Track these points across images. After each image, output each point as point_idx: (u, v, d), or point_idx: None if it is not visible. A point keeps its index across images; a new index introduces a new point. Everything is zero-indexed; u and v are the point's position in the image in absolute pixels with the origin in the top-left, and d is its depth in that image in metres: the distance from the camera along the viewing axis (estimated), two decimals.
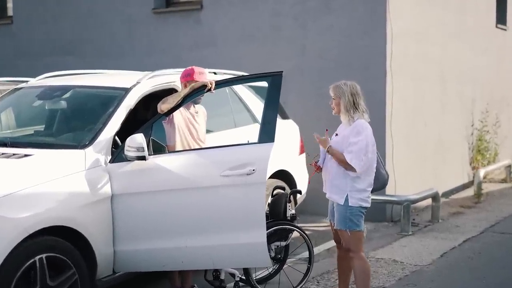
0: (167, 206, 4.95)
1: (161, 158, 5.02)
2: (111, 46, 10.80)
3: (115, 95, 5.52)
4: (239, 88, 6.90)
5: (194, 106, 5.58)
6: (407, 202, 8.12)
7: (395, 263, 6.71)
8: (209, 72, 6.74)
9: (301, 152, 7.60)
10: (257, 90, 7.30)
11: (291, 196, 6.02)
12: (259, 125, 5.17)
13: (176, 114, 5.32)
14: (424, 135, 9.74)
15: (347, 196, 5.02)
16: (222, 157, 4.99)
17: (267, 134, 4.98)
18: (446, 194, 10.42)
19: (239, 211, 4.95)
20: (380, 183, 5.28)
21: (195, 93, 5.26)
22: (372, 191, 5.12)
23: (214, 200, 4.96)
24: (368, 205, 5.12)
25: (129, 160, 4.89)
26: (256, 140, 5.06)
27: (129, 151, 4.84)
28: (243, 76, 6.06)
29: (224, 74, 6.88)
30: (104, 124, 5.17)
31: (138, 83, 5.67)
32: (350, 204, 5.01)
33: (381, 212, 8.66)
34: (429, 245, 7.46)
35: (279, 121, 7.45)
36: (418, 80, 9.50)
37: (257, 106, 7.07)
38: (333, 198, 5.12)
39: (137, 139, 4.84)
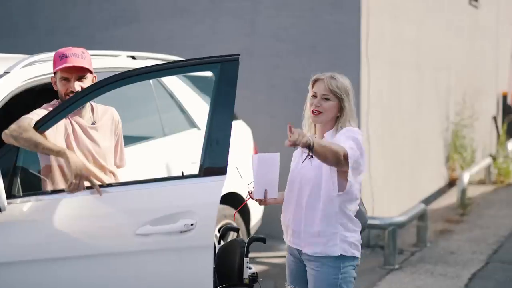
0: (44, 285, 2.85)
1: (32, 204, 2.91)
2: (4, 22, 8.51)
3: None
4: (169, 79, 4.81)
5: (92, 112, 3.49)
6: (393, 226, 6.22)
7: None
8: (127, 56, 4.67)
9: None
10: (194, 80, 5.27)
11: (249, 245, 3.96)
12: (203, 141, 3.09)
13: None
14: (400, 134, 7.87)
15: (335, 240, 3.18)
16: (138, 203, 2.92)
17: (215, 160, 2.94)
18: (424, 202, 8.60)
19: None
20: (360, 224, 3.39)
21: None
22: None
23: (126, 276, 2.89)
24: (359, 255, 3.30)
25: None
26: (196, 168, 3.00)
27: None
28: (175, 62, 3.71)
29: (148, 59, 4.85)
30: None
31: (6, 74, 3.57)
32: (342, 253, 3.18)
33: (362, 236, 6.73)
34: (426, 287, 5.61)
35: None
36: (394, 67, 7.60)
37: (196, 103, 5.04)
38: (312, 251, 3.20)
39: None
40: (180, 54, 7.04)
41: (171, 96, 4.79)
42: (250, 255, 3.74)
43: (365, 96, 6.73)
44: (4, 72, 3.60)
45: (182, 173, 3.05)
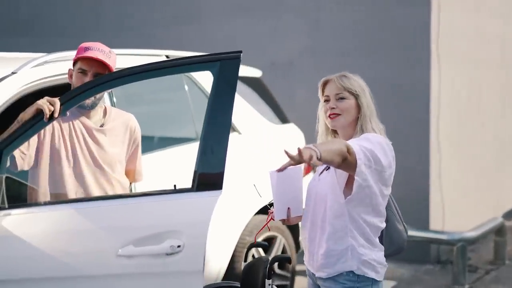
0: None
1: (10, 218, 2.63)
2: (72, 23, 8.47)
3: None
4: (203, 76, 4.46)
5: (104, 114, 3.21)
6: (462, 242, 5.62)
7: None
8: (165, 56, 4.37)
9: (307, 171, 5.14)
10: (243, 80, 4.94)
11: (274, 265, 3.54)
12: (198, 149, 2.70)
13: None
14: (479, 140, 7.19)
15: (347, 256, 2.72)
16: (121, 220, 2.58)
17: (209, 172, 2.57)
18: (508, 215, 7.87)
19: None
20: (395, 246, 2.95)
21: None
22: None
23: None
24: (381, 278, 2.80)
25: None
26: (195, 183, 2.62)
27: None
28: (169, 61, 3.10)
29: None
30: None
31: (13, 74, 3.35)
32: (353, 270, 2.71)
33: (424, 251, 6.20)
34: None
35: (277, 126, 5.13)
36: (473, 65, 6.94)
37: (238, 105, 4.68)
38: (322, 274, 2.77)
39: None
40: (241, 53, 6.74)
41: (207, 96, 4.44)
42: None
43: (435, 98, 6.15)
44: (12, 72, 3.37)
45: (175, 186, 2.69)
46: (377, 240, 2.79)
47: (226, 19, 7.17)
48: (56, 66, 3.53)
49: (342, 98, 2.80)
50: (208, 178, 2.56)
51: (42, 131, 2.92)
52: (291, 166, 2.77)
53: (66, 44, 7.31)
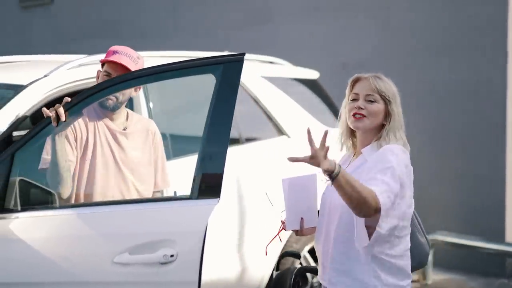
0: None
1: (17, 221, 2.65)
2: (152, 26, 8.62)
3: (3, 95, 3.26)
4: (252, 79, 4.38)
5: (126, 118, 3.19)
6: None
7: None
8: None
9: None
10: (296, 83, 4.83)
11: (302, 274, 3.39)
12: (198, 155, 2.62)
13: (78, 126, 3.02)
14: None
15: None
16: (118, 226, 2.55)
17: (207, 178, 2.48)
18: None
19: None
20: (417, 260, 2.74)
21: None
22: None
23: None
24: None
25: None
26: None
27: None
28: (168, 65, 2.94)
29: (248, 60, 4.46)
30: None
31: (45, 77, 3.39)
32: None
33: (498, 264, 5.83)
34: None
35: (332, 129, 4.95)
36: None
37: (289, 107, 4.59)
38: None
39: None
40: (311, 54, 6.61)
41: (254, 99, 4.36)
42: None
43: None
44: (44, 76, 3.42)
45: (175, 192, 2.62)
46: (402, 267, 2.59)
47: (297, 20, 7.05)
48: (90, 69, 3.56)
49: (372, 101, 2.62)
50: (206, 186, 2.47)
51: (71, 131, 2.94)
52: (305, 174, 2.64)
53: (146, 46, 7.44)
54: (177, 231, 2.47)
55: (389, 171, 2.46)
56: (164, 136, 3.68)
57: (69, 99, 2.79)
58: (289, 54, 6.62)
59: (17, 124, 3.10)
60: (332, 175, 2.32)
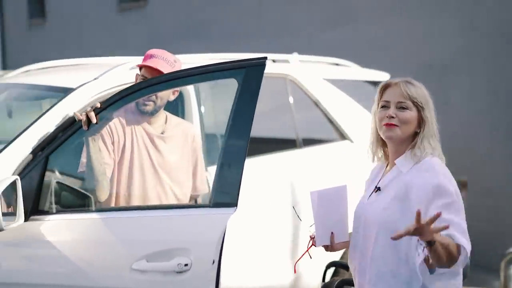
0: None
1: (44, 224, 2.68)
2: (238, 27, 8.63)
3: (53, 98, 3.34)
4: (312, 81, 4.26)
5: (165, 122, 3.17)
6: None
7: None
8: (272, 60, 4.22)
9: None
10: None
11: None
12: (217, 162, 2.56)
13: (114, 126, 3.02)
14: None
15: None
16: (138, 233, 2.51)
17: (224, 187, 2.39)
18: None
19: None
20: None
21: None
22: None
23: None
24: None
25: None
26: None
27: None
28: (189, 70, 2.85)
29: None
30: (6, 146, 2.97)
31: (94, 80, 3.43)
32: None
33: None
34: None
35: None
36: None
37: (352, 111, 4.44)
38: None
39: None
40: (391, 55, 6.39)
41: (314, 101, 4.24)
42: None
43: None
44: (94, 78, 3.46)
45: (196, 200, 2.54)
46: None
47: (380, 20, 6.84)
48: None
49: (404, 108, 2.44)
50: (223, 195, 2.39)
51: (108, 134, 2.95)
52: (335, 186, 2.50)
53: (234, 46, 7.50)
54: (191, 240, 2.40)
55: (453, 207, 2.30)
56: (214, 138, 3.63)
57: (99, 104, 2.79)
58: (370, 55, 6.45)
59: (64, 126, 3.14)
60: (430, 242, 2.18)
